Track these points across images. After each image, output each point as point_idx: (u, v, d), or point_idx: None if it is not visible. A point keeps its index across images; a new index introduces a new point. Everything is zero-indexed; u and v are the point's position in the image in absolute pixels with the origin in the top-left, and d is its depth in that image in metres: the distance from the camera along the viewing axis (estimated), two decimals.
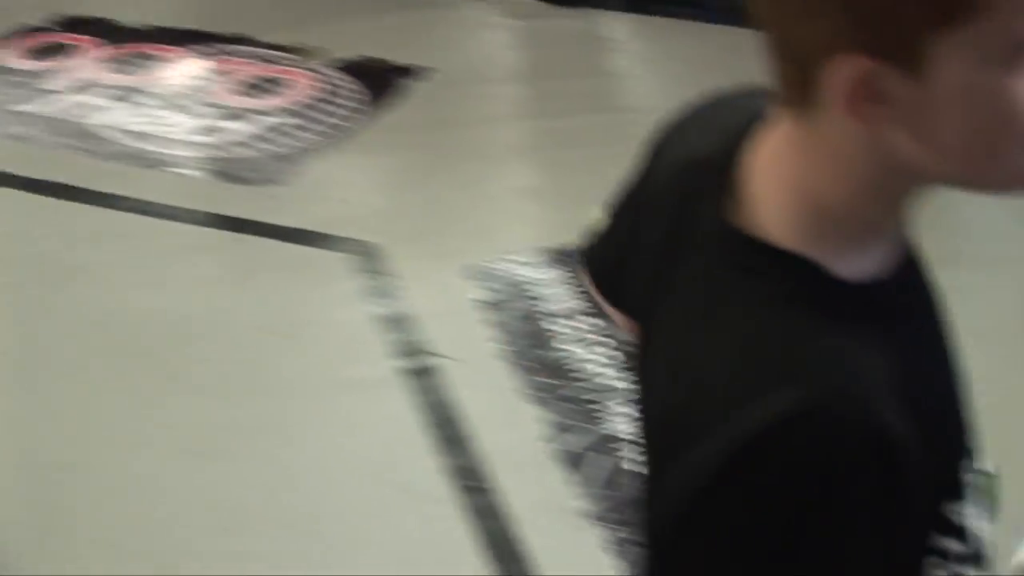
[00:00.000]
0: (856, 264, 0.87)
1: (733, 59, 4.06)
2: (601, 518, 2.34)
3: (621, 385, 2.75)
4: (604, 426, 2.73)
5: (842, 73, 0.76)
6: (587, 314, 2.99)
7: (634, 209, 1.06)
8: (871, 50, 0.76)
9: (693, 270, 0.91)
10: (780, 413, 0.78)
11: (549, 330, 2.91)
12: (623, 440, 2.67)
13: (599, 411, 2.75)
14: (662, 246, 0.97)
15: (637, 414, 1.01)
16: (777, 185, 0.88)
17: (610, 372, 2.80)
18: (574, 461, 2.65)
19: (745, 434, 0.78)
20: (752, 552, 0.81)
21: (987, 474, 1.01)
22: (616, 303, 1.13)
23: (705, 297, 0.89)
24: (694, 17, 4.28)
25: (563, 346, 2.84)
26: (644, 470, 0.96)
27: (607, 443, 2.69)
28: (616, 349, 2.78)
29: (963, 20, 0.73)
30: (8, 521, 2.54)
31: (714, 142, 0.94)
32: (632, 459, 2.55)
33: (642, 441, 0.98)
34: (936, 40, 0.74)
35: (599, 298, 1.17)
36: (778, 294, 0.85)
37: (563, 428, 2.74)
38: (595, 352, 2.82)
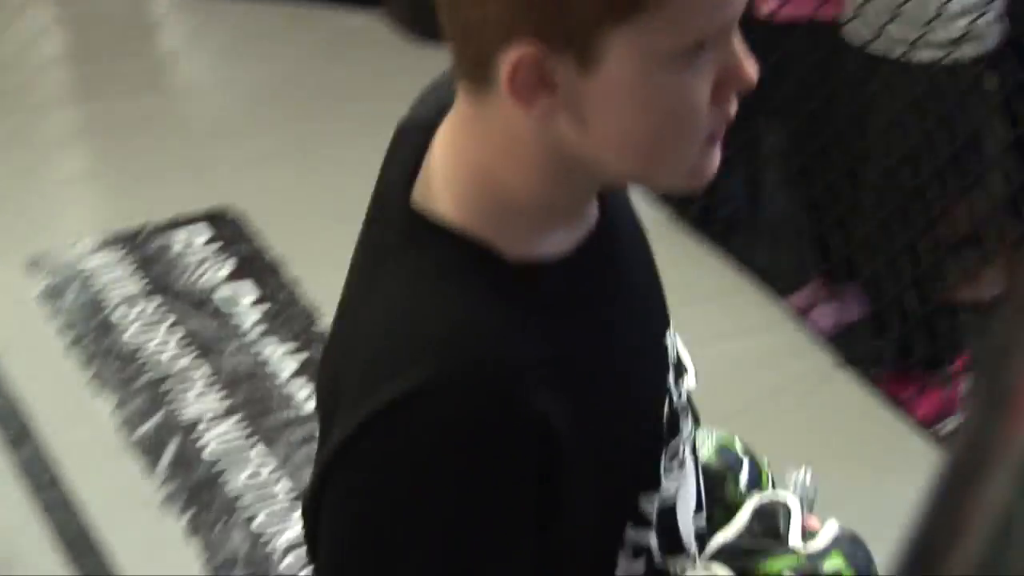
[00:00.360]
0: (528, 245, 0.84)
1: (279, 32, 3.61)
2: (180, 505, 2.31)
3: (193, 369, 2.70)
4: (178, 412, 2.63)
5: (510, 57, 0.75)
6: (156, 297, 2.83)
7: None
8: (542, 37, 0.75)
9: (372, 237, 0.91)
10: (404, 391, 0.78)
11: (116, 317, 2.78)
12: (198, 424, 2.59)
13: (172, 397, 2.63)
14: (371, 202, 0.96)
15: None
16: (452, 162, 0.86)
17: (182, 356, 2.72)
18: (150, 449, 2.56)
19: (368, 413, 0.79)
20: (376, 532, 0.81)
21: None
22: None
23: (373, 265, 0.89)
24: None
25: (131, 332, 2.75)
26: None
27: (183, 429, 2.61)
28: (186, 333, 2.72)
29: (634, 15, 0.73)
30: None
31: (423, 113, 0.92)
32: (213, 440, 2.54)
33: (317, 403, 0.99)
34: (607, 32, 0.74)
35: None
36: (431, 269, 0.84)
37: (137, 416, 2.60)
38: (164, 336, 2.73)
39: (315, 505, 0.83)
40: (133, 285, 2.87)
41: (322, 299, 2.77)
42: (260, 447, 2.52)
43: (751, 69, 0.79)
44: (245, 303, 2.83)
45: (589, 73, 0.76)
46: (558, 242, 0.84)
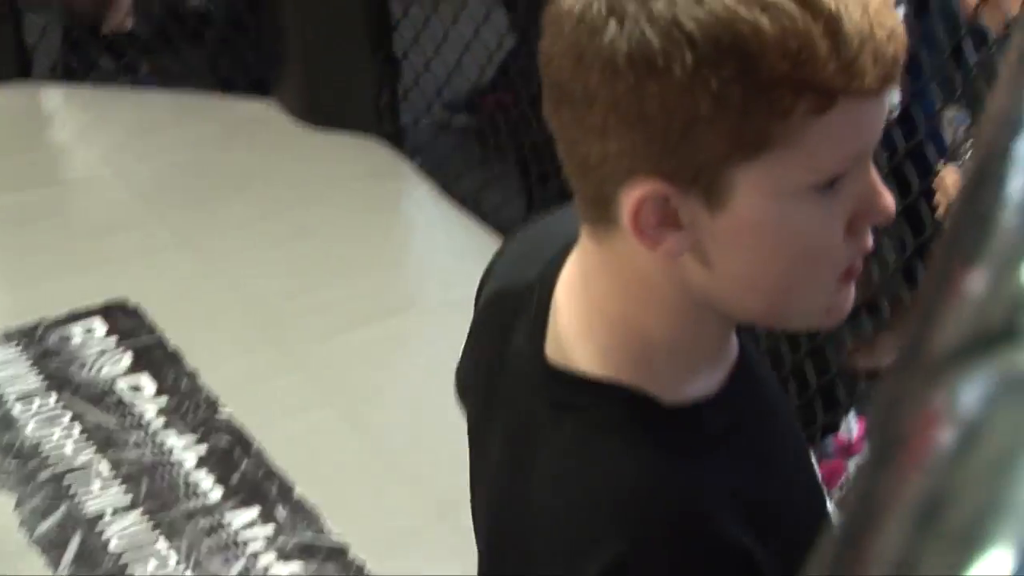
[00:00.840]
0: (681, 388, 0.80)
1: (172, 122, 3.62)
2: None
3: (95, 463, 2.67)
4: (81, 506, 2.57)
5: (633, 195, 0.71)
6: (54, 392, 2.81)
7: (472, 336, 1.01)
8: (666, 174, 0.71)
9: (510, 405, 0.86)
10: (609, 565, 0.74)
11: (15, 413, 2.75)
12: (102, 518, 2.54)
13: (74, 491, 2.59)
14: (485, 377, 0.91)
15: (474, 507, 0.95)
16: (586, 311, 0.81)
17: (83, 450, 2.69)
18: (53, 545, 2.49)
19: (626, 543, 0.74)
20: None
21: None
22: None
23: (526, 443, 0.83)
24: (130, 84, 4.04)
25: (31, 427, 2.71)
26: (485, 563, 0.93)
27: (86, 523, 2.55)
28: (86, 427, 2.69)
29: (764, 152, 0.69)
30: None
31: (528, 269, 0.87)
32: (117, 534, 2.52)
33: (482, 537, 0.94)
34: (735, 170, 0.70)
35: (460, 397, 1.07)
36: (594, 430, 0.79)
37: (38, 512, 2.54)
38: (65, 430, 2.70)
39: None
40: (31, 380, 2.85)
41: (222, 388, 2.74)
42: (164, 540, 2.47)
43: (888, 200, 0.75)
44: (145, 395, 2.82)
45: (716, 211, 0.72)
46: (708, 379, 0.80)
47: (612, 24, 0.69)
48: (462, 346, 1.01)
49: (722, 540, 0.75)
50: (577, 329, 0.80)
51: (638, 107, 0.69)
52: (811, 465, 0.90)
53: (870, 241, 0.77)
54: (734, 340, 0.82)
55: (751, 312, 0.79)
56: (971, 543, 0.29)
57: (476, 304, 0.98)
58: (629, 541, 0.75)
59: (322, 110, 3.52)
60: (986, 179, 0.44)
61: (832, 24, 0.67)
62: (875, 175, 0.74)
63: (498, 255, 0.98)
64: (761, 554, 0.76)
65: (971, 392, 0.34)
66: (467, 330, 0.99)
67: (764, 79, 0.67)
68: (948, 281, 0.39)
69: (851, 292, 0.77)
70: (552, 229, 0.90)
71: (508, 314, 0.88)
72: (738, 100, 0.67)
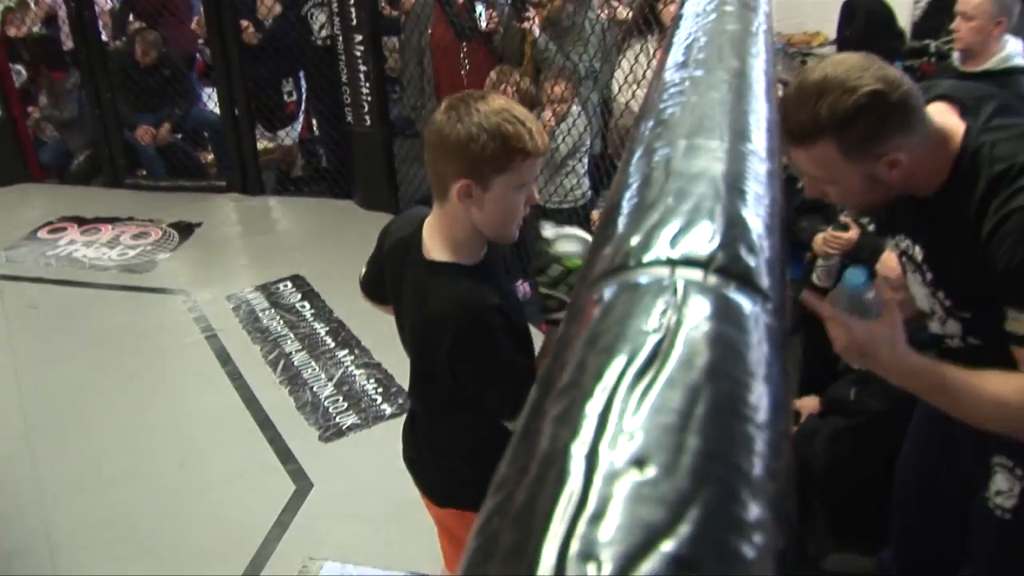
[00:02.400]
0: (470, 257, 1.88)
1: (319, 205, 6.50)
2: None
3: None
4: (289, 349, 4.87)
5: (457, 185, 1.77)
6: (275, 310, 5.20)
7: (378, 259, 2.13)
8: (470, 177, 1.78)
9: (412, 277, 1.93)
10: (469, 312, 1.85)
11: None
12: (320, 348, 4.80)
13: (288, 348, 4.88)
14: (398, 269, 1.98)
15: (406, 344, 2.07)
16: (438, 235, 1.88)
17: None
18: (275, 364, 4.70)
19: (461, 324, 1.85)
20: (489, 352, 1.84)
21: None
22: (376, 300, 2.26)
23: (422, 287, 1.89)
24: (300, 195, 6.96)
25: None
26: (417, 371, 2.09)
27: (287, 356, 4.86)
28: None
29: (505, 172, 1.79)
30: None
31: (409, 226, 1.99)
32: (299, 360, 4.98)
33: (411, 355, 2.08)
34: (495, 177, 1.79)
35: (365, 297, 2.29)
36: (446, 278, 1.86)
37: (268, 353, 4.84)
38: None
39: (448, 357, 1.90)
40: (266, 311, 5.27)
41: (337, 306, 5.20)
42: (315, 362, 4.77)
43: (535, 196, 1.85)
44: (307, 312, 5.24)
45: (486, 192, 1.78)
46: (478, 257, 1.90)
47: (457, 125, 1.76)
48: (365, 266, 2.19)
49: (497, 304, 1.82)
50: (434, 244, 1.88)
51: (466, 155, 1.76)
52: (517, 295, 1.96)
53: (528, 207, 1.82)
54: (486, 244, 1.91)
55: (489, 232, 1.87)
56: (611, 353, 0.49)
57: (380, 246, 2.12)
58: (462, 312, 1.82)
59: (369, 202, 6.47)
60: (619, 178, 0.71)
61: (529, 131, 1.77)
62: (535, 185, 1.85)
63: (391, 224, 2.12)
64: (509, 311, 1.88)
65: (607, 292, 0.56)
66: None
67: (510, 148, 1.75)
68: (596, 247, 0.64)
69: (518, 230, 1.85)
70: (413, 214, 2.05)
71: (403, 247, 1.97)
72: (502, 155, 1.75)
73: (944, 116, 1.90)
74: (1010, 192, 1.80)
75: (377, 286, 2.23)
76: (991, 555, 2.27)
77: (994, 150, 1.84)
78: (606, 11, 5.41)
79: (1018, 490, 2.13)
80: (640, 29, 4.91)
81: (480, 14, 6.00)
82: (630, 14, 5.21)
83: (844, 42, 6.22)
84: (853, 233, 3.38)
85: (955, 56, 4.13)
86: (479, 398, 1.94)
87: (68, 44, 7.39)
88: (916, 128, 1.81)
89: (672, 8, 3.95)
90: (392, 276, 2.10)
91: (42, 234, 6.58)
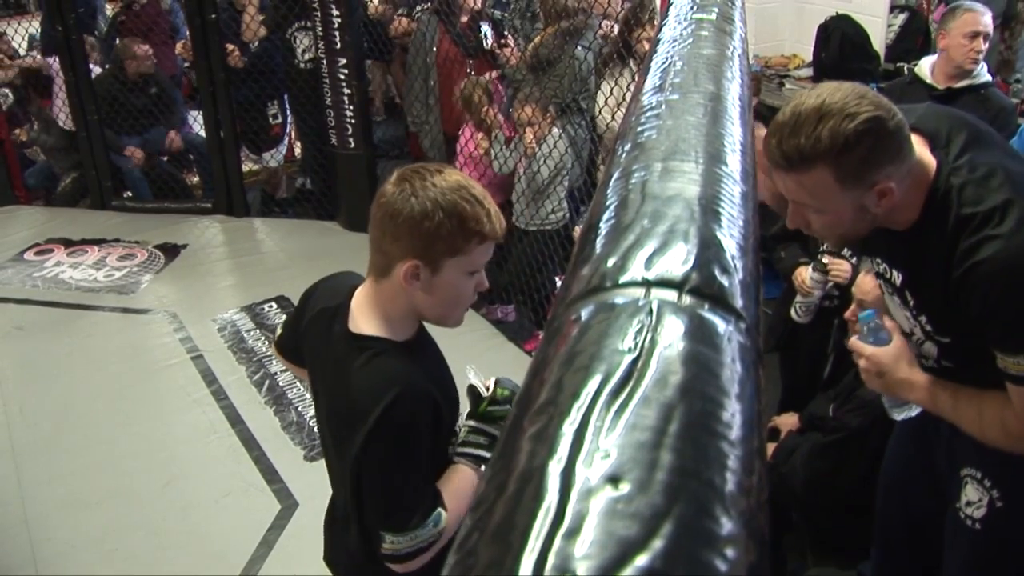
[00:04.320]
0: (402, 334, 1.71)
1: (305, 227, 6.43)
2: None
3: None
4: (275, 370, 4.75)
5: (404, 266, 1.58)
6: (259, 330, 5.20)
7: (297, 324, 1.96)
8: (420, 258, 1.59)
9: (335, 350, 1.73)
10: (393, 398, 1.59)
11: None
12: (276, 375, 4.61)
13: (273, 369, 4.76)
14: (321, 340, 1.79)
15: (317, 416, 1.87)
16: (368, 310, 1.70)
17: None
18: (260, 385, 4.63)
19: (383, 409, 1.58)
20: (395, 455, 1.59)
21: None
22: (293, 362, 2.07)
23: (342, 360, 1.68)
24: (284, 216, 7.01)
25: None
26: (331, 452, 1.83)
27: (272, 375, 4.71)
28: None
29: (457, 256, 1.61)
30: None
31: (336, 296, 1.80)
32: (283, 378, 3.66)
33: (323, 435, 1.87)
34: (446, 260, 1.61)
35: (281, 358, 2.11)
36: (372, 354, 1.65)
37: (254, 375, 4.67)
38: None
39: (358, 461, 1.61)
40: (252, 331, 5.23)
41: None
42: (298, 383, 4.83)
43: (485, 284, 1.67)
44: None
45: (435, 275, 1.61)
46: (411, 332, 1.74)
47: (411, 199, 1.57)
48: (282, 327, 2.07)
49: (427, 390, 1.63)
50: (362, 317, 1.70)
51: (418, 234, 1.57)
52: (450, 375, 1.72)
53: (476, 295, 1.66)
54: (419, 323, 1.76)
55: (435, 318, 1.71)
56: (587, 372, 0.50)
57: (301, 313, 1.93)
58: (393, 394, 1.58)
59: (354, 224, 6.34)
60: (597, 199, 0.74)
61: (488, 212, 1.60)
62: (484, 273, 1.66)
63: (313, 288, 1.93)
64: (440, 399, 1.67)
65: (584, 312, 0.58)
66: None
67: (466, 229, 1.57)
68: (574, 268, 0.66)
69: (464, 313, 1.67)
70: (339, 281, 1.87)
71: (328, 316, 1.77)
72: (457, 236, 1.55)
73: (919, 149, 1.90)
74: (975, 241, 1.84)
75: (294, 350, 2.06)
76: (962, 566, 2.32)
77: (962, 194, 1.87)
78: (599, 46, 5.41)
79: (986, 500, 2.20)
80: (622, 55, 4.98)
81: (485, 34, 6.08)
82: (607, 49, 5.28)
83: (820, 65, 6.29)
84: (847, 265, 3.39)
85: (927, 73, 4.23)
86: (362, 503, 1.69)
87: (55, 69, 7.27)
88: (905, 159, 1.83)
89: (647, 41, 4.03)
90: (312, 345, 1.91)
91: (28, 256, 6.58)
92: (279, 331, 2.09)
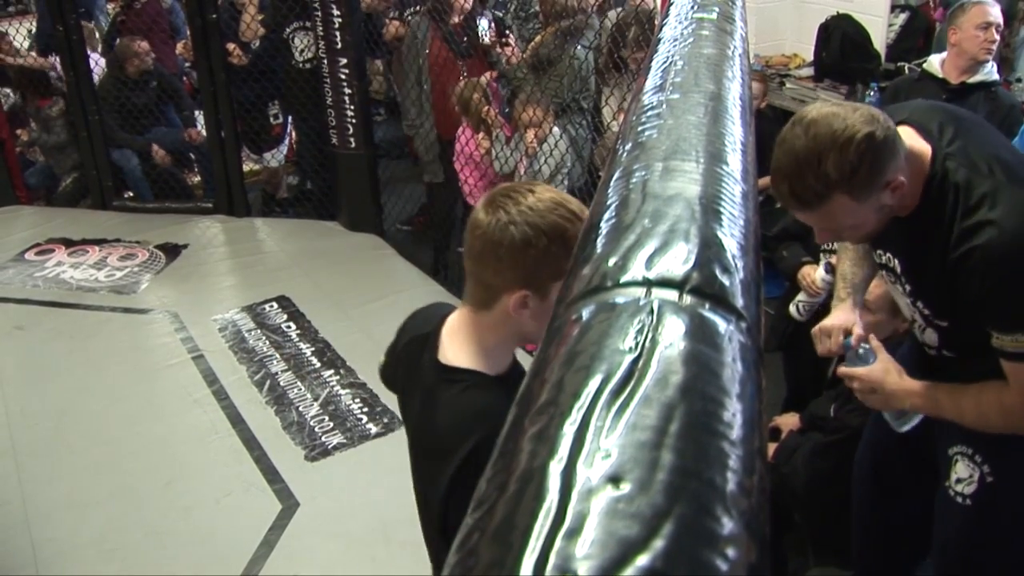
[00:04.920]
0: (496, 367, 1.60)
1: (305, 227, 6.39)
2: None
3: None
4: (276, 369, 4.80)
5: (512, 297, 1.47)
6: (261, 330, 5.21)
7: (394, 353, 1.89)
8: (527, 287, 1.48)
9: (423, 379, 1.66)
10: (479, 440, 1.43)
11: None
12: (278, 375, 4.69)
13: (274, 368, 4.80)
14: (410, 368, 1.72)
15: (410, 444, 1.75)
16: (461, 339, 1.61)
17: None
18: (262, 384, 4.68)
19: (471, 450, 1.44)
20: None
21: None
22: (391, 388, 1.99)
23: (430, 391, 1.61)
24: (285, 216, 6.97)
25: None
26: (415, 476, 1.74)
27: (273, 375, 4.73)
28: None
29: (557, 281, 1.41)
30: None
31: (427, 324, 1.72)
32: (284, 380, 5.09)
33: (411, 456, 1.75)
34: (554, 285, 1.46)
35: (389, 389, 2.00)
36: (462, 387, 1.56)
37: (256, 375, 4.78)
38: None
39: (445, 495, 1.49)
40: (254, 331, 5.24)
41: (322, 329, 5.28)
42: (300, 382, 4.67)
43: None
44: (293, 333, 5.20)
45: (543, 300, 1.51)
46: (503, 364, 1.63)
47: (509, 227, 1.43)
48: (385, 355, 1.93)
49: None
50: (454, 348, 1.60)
51: (524, 263, 1.46)
52: None
53: None
54: (514, 352, 1.64)
55: (535, 339, 1.53)
56: (588, 372, 0.50)
57: (397, 341, 1.86)
58: (480, 435, 1.42)
59: (355, 224, 6.44)
60: (597, 199, 0.71)
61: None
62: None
63: (409, 320, 1.85)
64: None
65: (585, 311, 0.57)
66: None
67: (571, 249, 1.07)
68: (575, 268, 0.65)
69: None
70: (431, 311, 1.81)
71: (419, 344, 1.70)
72: (562, 259, 1.27)
73: (912, 139, 2.02)
74: (970, 224, 1.95)
75: (392, 377, 2.00)
76: (952, 542, 2.38)
77: (957, 177, 1.98)
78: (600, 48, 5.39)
79: (977, 476, 2.29)
80: (618, 66, 4.99)
81: (484, 30, 6.05)
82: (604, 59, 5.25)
83: (821, 64, 6.31)
84: None
85: (937, 69, 4.22)
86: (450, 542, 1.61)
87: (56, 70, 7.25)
88: (900, 151, 1.94)
89: (639, 55, 4.05)
90: (404, 374, 1.85)
91: (29, 256, 6.57)
92: (382, 359, 2.02)
